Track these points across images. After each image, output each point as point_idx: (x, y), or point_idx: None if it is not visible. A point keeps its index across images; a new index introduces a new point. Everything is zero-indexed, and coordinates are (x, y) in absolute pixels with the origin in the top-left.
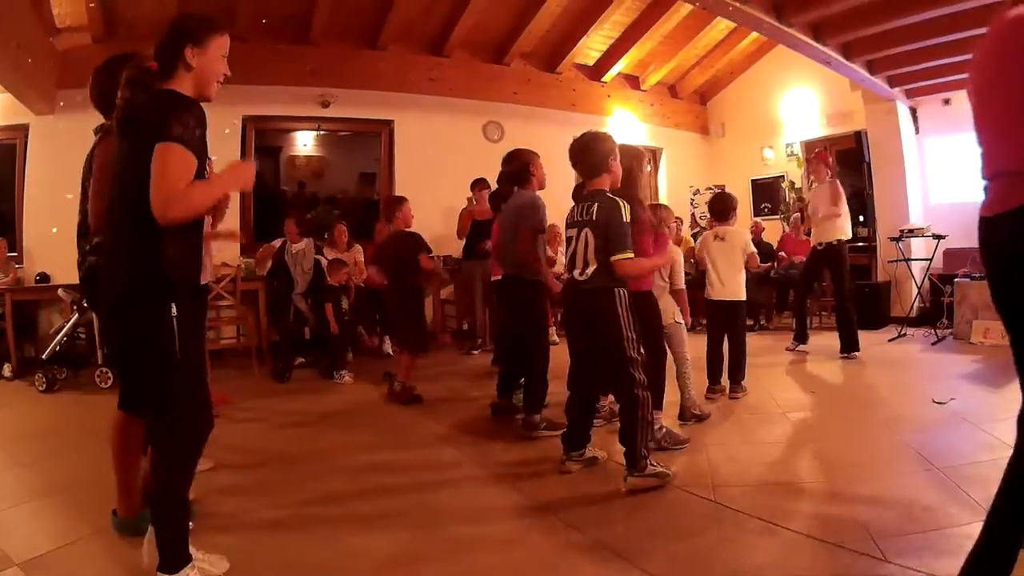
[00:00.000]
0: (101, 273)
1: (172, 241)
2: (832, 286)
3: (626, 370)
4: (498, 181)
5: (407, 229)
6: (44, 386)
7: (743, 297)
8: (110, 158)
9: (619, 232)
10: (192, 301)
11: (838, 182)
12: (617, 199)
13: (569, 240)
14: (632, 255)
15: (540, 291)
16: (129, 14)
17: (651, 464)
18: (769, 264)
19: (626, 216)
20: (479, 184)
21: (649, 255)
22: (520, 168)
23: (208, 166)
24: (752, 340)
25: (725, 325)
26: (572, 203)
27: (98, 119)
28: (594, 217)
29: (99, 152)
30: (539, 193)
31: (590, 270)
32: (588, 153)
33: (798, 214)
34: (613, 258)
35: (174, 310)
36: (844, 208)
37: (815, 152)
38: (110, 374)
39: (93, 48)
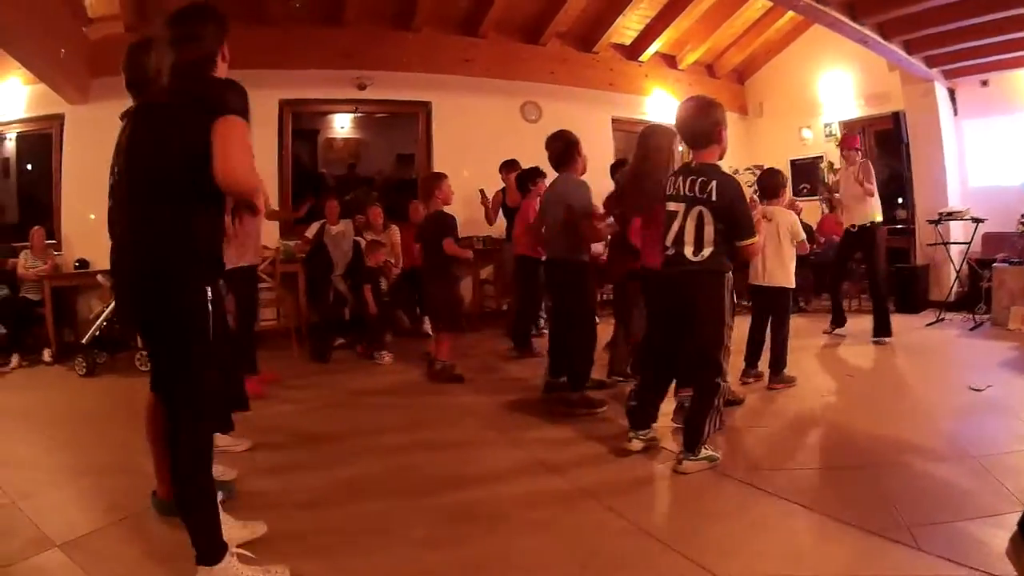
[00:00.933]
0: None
1: (201, 218)
2: (865, 268)
3: (715, 357)
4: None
5: (445, 208)
6: (84, 370)
7: (788, 284)
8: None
9: (746, 216)
10: (226, 283)
11: (869, 163)
12: (735, 178)
13: (672, 215)
14: (757, 237)
15: (587, 272)
16: (160, 1)
17: (704, 447)
18: (811, 246)
19: (746, 196)
20: (507, 166)
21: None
22: (564, 149)
23: None
24: (790, 322)
25: (767, 312)
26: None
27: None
28: (714, 197)
29: None
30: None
31: (706, 251)
32: (695, 119)
33: (837, 194)
34: (742, 243)
35: (209, 293)
36: (875, 188)
37: (843, 136)
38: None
39: (125, 37)
